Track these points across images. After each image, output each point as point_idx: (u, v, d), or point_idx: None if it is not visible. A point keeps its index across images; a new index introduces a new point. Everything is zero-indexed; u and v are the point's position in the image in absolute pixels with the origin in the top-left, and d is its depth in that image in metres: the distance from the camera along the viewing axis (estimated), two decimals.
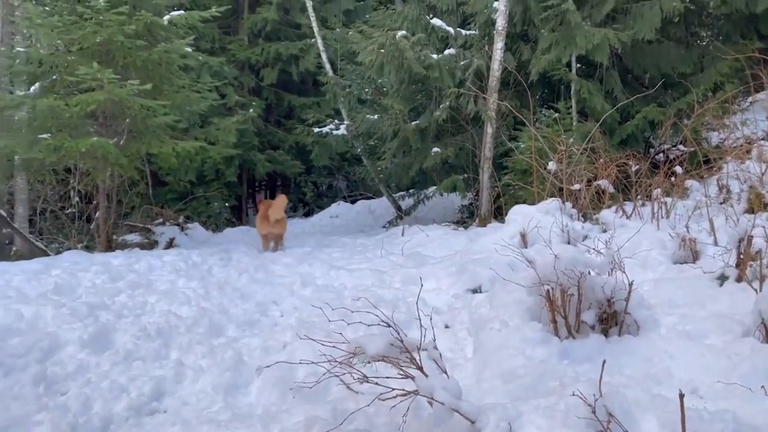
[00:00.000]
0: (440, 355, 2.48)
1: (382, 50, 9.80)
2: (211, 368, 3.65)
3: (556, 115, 9.20)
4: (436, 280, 5.28)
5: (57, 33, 8.03)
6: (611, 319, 3.21)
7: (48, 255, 8.82)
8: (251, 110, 14.14)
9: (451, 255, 6.34)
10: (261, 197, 13.83)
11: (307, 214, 16.74)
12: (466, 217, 11.40)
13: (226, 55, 14.27)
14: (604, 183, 6.98)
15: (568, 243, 5.02)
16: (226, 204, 15.31)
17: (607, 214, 6.01)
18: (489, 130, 9.60)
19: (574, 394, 2.27)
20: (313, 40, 13.73)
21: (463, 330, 3.83)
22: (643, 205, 6.71)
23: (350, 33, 11.34)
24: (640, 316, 3.32)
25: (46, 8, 8.48)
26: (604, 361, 2.39)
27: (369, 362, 2.50)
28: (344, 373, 2.56)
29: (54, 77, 8.61)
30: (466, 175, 10.52)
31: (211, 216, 14.42)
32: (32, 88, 8.82)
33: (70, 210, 11.79)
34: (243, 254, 8.45)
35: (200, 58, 11.73)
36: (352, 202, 15.96)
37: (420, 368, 2.39)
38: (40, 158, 8.23)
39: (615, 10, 9.36)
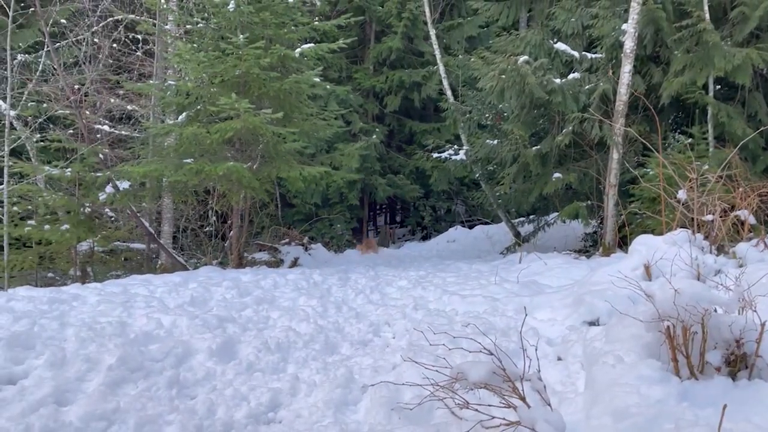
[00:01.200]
0: (544, 386, 2.43)
1: (503, 76, 9.78)
2: (323, 384, 3.81)
3: (689, 140, 8.65)
4: (551, 311, 5.14)
5: (202, 67, 8.86)
6: (740, 362, 2.96)
7: (187, 269, 9.65)
8: (374, 136, 14.61)
9: (569, 285, 6.13)
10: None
11: (425, 238, 16.90)
12: (589, 246, 10.96)
13: (352, 84, 14.91)
14: (743, 213, 6.43)
15: (698, 277, 4.69)
16: (348, 226, 15.86)
17: (744, 248, 5.53)
18: (615, 155, 9.21)
19: None
20: (435, 67, 13.99)
21: (576, 363, 3.70)
22: None
23: (472, 59, 11.42)
24: None
25: (194, 45, 9.36)
26: (724, 406, 2.22)
27: (471, 389, 2.51)
28: (445, 398, 2.58)
29: (198, 107, 9.48)
30: (589, 202, 10.14)
31: (333, 237, 15.00)
32: (180, 118, 9.75)
33: (207, 228, 12.76)
34: (361, 275, 8.73)
35: (328, 87, 12.38)
36: (470, 227, 15.90)
37: (522, 398, 2.37)
38: (184, 180, 9.04)
39: (759, 28, 8.69)
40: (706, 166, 7.54)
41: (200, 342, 4.37)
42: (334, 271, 9.22)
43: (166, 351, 4.12)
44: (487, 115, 12.16)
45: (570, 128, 9.71)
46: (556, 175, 10.02)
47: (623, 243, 8.99)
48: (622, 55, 9.11)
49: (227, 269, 9.10)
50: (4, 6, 10.22)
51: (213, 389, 3.69)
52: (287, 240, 11.69)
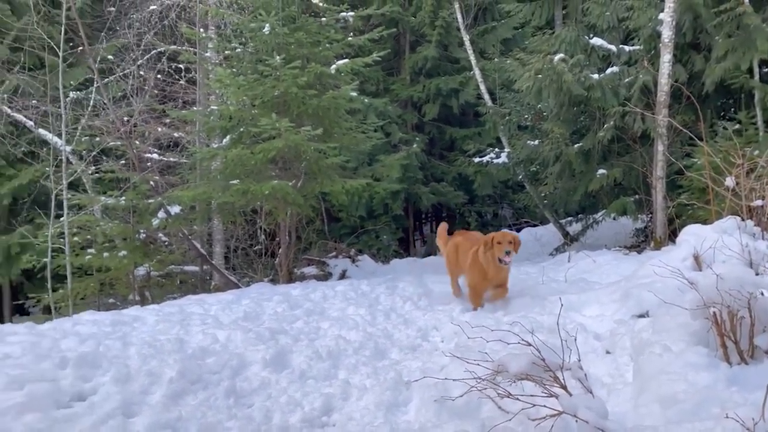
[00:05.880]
0: (585, 375, 2.45)
1: (540, 75, 9.76)
2: (374, 387, 3.91)
3: (737, 126, 8.41)
4: (599, 306, 5.10)
5: (242, 90, 9.16)
6: None
7: (239, 287, 9.92)
8: (414, 145, 14.69)
9: (618, 281, 6.06)
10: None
11: None
12: (641, 241, 10.73)
13: (390, 95, 15.04)
14: None
15: (750, 264, 4.58)
16: (394, 236, 15.94)
17: None
18: (660, 147, 9.04)
19: (728, 416, 2.12)
20: (471, 72, 14.01)
21: (624, 355, 3.67)
22: None
23: (508, 62, 11.42)
24: None
25: (234, 69, 9.69)
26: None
27: (513, 381, 2.55)
28: (486, 388, 2.63)
29: (241, 129, 9.78)
30: (637, 197, 9.96)
31: (380, 248, 15.11)
32: (224, 141, 10.08)
33: (257, 247, 13.05)
34: (408, 284, 8.78)
35: (366, 100, 12.57)
36: (518, 230, 15.74)
37: (564, 387, 2.39)
38: (232, 201, 9.33)
39: None
40: (756, 152, 7.34)
41: (254, 354, 4.53)
42: (381, 280, 9.31)
43: (223, 363, 4.29)
44: (526, 116, 12.11)
45: (611, 123, 9.60)
46: (601, 171, 9.89)
47: (674, 235, 8.79)
48: (661, 45, 8.97)
49: (278, 285, 9.31)
50: (55, 47, 10.81)
51: (268, 397, 3.83)
52: (335, 253, 11.86)
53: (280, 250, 10.63)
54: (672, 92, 9.00)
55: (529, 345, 2.60)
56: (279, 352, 4.59)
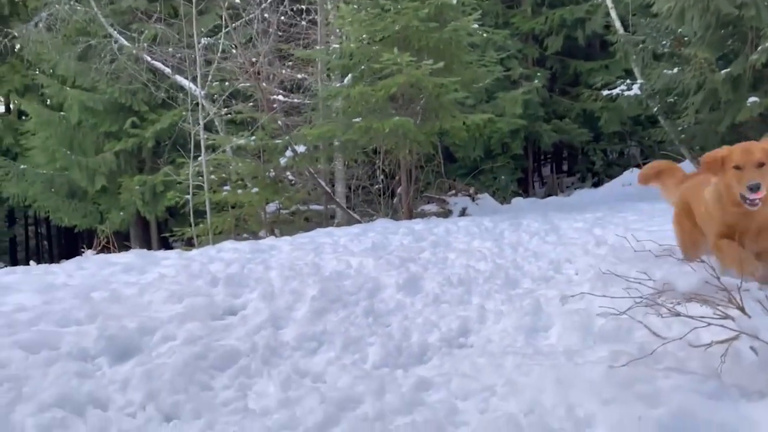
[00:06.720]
0: (766, 296, 2.23)
1: None
2: (510, 313, 3.85)
3: None
4: None
5: (364, 27, 9.14)
6: None
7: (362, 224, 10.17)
8: (536, 81, 14.08)
9: None
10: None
11: (596, 185, 16.04)
12: None
13: (510, 29, 14.41)
14: None
15: None
16: (513, 177, 15.55)
17: None
18: None
19: None
20: None
21: None
22: None
23: None
24: None
25: (355, 6, 9.66)
26: None
27: (680, 302, 2.38)
28: (649, 307, 2.47)
29: (362, 67, 9.81)
30: None
31: (498, 189, 14.85)
32: (345, 79, 10.18)
33: (377, 186, 13.26)
34: (532, 220, 8.59)
35: (484, 35, 12.10)
36: None
37: (741, 308, 2.20)
38: (354, 139, 9.48)
39: None
40: None
41: (387, 278, 4.63)
42: (503, 218, 9.17)
43: (359, 286, 4.42)
44: (664, 42, 11.10)
45: (767, 44, 8.57)
46: (752, 99, 8.95)
47: None
48: None
49: (400, 221, 9.45)
50: None
51: (405, 318, 3.90)
52: (454, 192, 11.80)
53: (400, 188, 10.73)
54: None
55: (703, 262, 2.40)
56: (411, 278, 4.64)
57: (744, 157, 3.06)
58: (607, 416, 2.16)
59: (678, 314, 2.33)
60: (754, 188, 2.94)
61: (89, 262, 5.58)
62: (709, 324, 2.23)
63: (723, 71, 9.28)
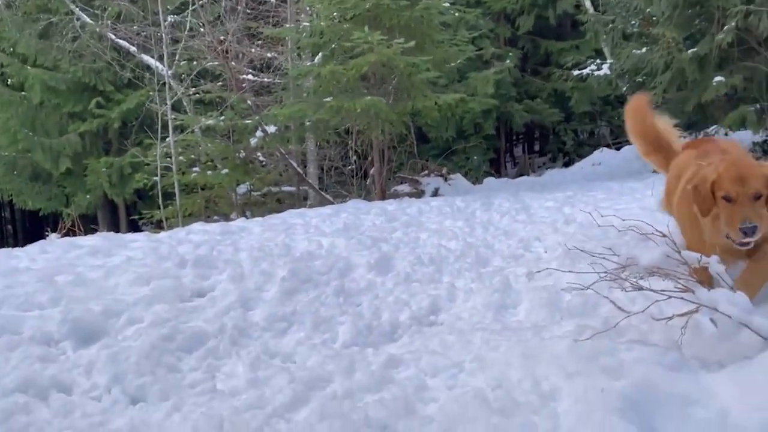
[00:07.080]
0: (725, 269, 2.28)
1: None
2: (480, 290, 3.89)
3: None
4: None
5: (334, 4, 9.02)
6: None
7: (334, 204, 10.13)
8: (507, 61, 14.09)
9: None
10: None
11: (567, 164, 16.20)
12: (758, 157, 9.91)
13: (482, 8, 14.36)
14: None
15: None
16: (485, 157, 15.60)
17: None
18: None
19: None
20: None
21: None
22: None
23: None
24: None
25: None
26: None
27: (642, 276, 2.43)
28: (611, 282, 2.52)
29: (333, 46, 9.70)
30: (758, 106, 9.11)
31: (471, 169, 14.89)
32: (316, 58, 10.06)
33: (349, 167, 13.21)
34: (503, 200, 8.65)
35: (456, 13, 12.05)
36: (617, 149, 14.97)
37: (701, 281, 2.24)
38: (326, 119, 9.40)
39: None
40: None
41: (359, 258, 4.63)
42: (475, 197, 9.20)
43: (330, 266, 4.41)
44: (633, 22, 11.18)
45: (733, 24, 8.69)
46: (717, 78, 9.08)
47: None
48: None
49: (372, 201, 9.43)
50: None
51: (376, 297, 3.91)
52: (426, 172, 11.81)
53: (373, 168, 10.70)
54: None
55: (664, 236, 2.44)
56: (382, 257, 4.65)
57: (736, 188, 2.49)
58: (571, 389, 2.20)
59: (641, 288, 2.37)
60: (749, 232, 2.39)
61: (54, 245, 5.46)
62: (670, 297, 2.28)
63: (690, 51, 9.40)
